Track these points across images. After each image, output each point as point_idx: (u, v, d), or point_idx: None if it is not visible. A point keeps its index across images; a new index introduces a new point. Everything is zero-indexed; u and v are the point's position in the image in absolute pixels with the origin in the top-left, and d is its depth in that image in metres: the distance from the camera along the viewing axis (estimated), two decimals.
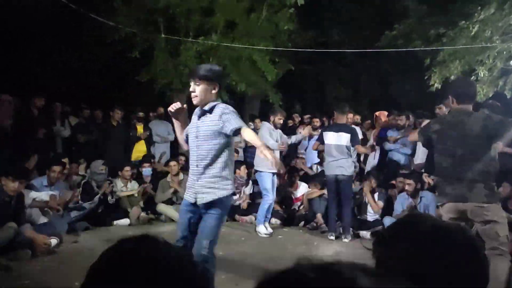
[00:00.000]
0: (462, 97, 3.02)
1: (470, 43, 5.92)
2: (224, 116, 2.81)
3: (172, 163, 6.54)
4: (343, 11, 10.21)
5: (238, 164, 6.45)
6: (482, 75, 5.98)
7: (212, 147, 2.84)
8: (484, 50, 5.90)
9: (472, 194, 2.87)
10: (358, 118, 7.65)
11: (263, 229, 5.52)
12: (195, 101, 2.88)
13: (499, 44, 5.77)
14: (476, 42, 5.91)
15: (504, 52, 5.82)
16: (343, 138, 5.32)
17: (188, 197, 2.92)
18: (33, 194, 4.99)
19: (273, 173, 5.62)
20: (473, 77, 6.10)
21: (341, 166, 5.30)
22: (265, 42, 7.32)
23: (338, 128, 5.41)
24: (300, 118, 8.79)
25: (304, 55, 9.22)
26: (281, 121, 5.79)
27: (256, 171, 5.73)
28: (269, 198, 5.60)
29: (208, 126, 2.86)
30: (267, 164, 5.32)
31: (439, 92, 6.73)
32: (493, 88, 6.10)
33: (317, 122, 7.91)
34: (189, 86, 2.91)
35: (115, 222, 5.77)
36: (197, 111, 2.97)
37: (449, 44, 6.15)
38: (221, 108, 2.86)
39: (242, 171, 6.47)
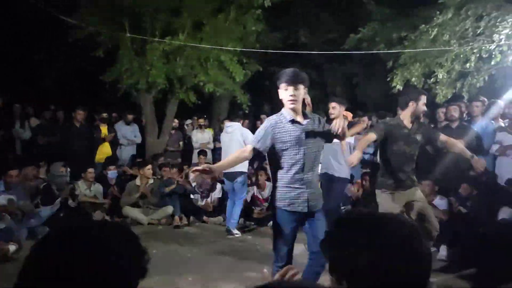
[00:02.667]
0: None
1: (430, 46, 6.14)
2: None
3: (147, 167, 6.36)
4: (310, 14, 10.35)
5: None
6: (441, 77, 6.22)
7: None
8: (442, 53, 6.14)
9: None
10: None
11: (236, 230, 5.55)
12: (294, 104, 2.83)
13: (457, 48, 6.02)
14: (435, 45, 6.13)
15: (461, 55, 6.07)
16: None
17: (298, 207, 2.75)
18: None
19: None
20: (432, 79, 6.33)
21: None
22: (233, 43, 7.31)
23: None
24: None
25: (272, 56, 9.27)
26: None
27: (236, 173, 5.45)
28: (242, 200, 5.73)
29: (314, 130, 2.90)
30: (245, 165, 5.42)
31: (400, 94, 6.94)
32: (452, 89, 6.36)
33: None
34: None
35: None
36: (290, 117, 2.82)
37: (410, 47, 6.36)
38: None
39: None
